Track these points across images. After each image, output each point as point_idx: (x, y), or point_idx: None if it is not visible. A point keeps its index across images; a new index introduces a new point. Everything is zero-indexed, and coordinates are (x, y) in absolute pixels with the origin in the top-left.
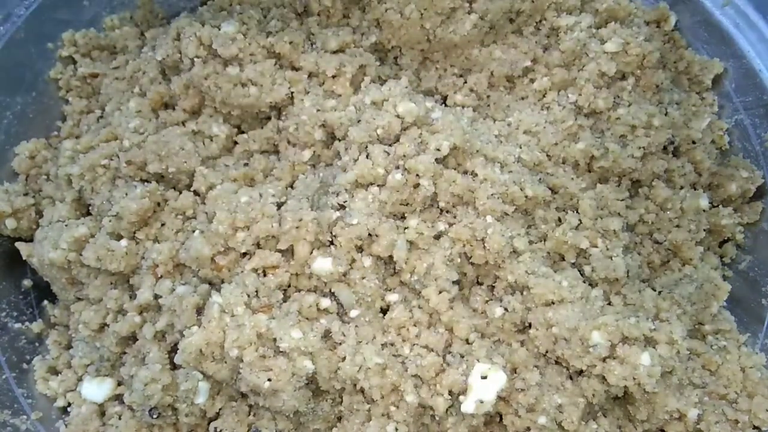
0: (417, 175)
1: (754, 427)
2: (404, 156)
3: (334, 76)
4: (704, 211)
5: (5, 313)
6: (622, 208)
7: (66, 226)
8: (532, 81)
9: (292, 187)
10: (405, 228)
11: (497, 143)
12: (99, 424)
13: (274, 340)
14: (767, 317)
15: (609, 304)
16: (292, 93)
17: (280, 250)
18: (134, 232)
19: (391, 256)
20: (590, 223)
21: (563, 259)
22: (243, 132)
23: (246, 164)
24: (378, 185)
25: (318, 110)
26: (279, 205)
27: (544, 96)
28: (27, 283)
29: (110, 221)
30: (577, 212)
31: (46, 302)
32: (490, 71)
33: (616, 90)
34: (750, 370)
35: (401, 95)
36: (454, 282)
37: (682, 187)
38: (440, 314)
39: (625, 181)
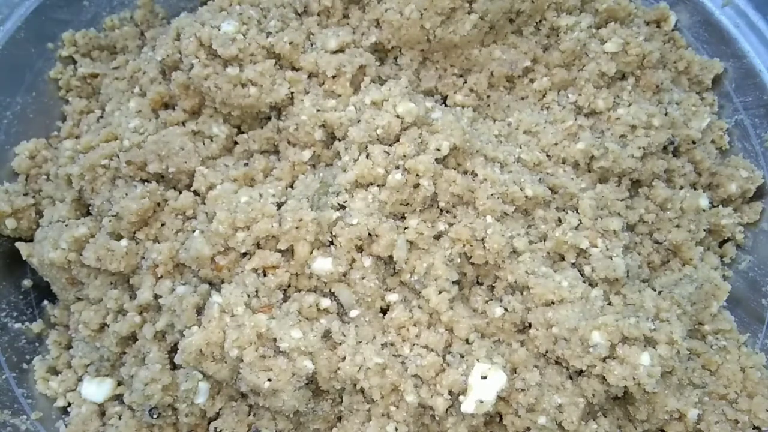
0: (417, 175)
1: (754, 427)
2: (404, 156)
3: (334, 76)
4: (704, 211)
5: (5, 313)
6: (622, 208)
7: (66, 226)
8: (532, 81)
9: (292, 187)
10: (405, 228)
11: (497, 143)
12: (99, 424)
13: (274, 340)
14: (767, 317)
15: (609, 304)
16: (292, 93)
17: (280, 250)
18: (134, 232)
19: (391, 256)
20: (590, 223)
21: (563, 259)
22: (243, 132)
23: (246, 164)
24: (378, 185)
25: (318, 110)
26: (279, 205)
27: (544, 96)
28: (27, 283)
29: (110, 221)
30: (576, 212)
31: (46, 302)
32: (490, 71)
33: (616, 90)
34: (750, 370)
35: (401, 95)
36: (454, 282)
37: (682, 187)
38: (440, 314)
39: (625, 181)
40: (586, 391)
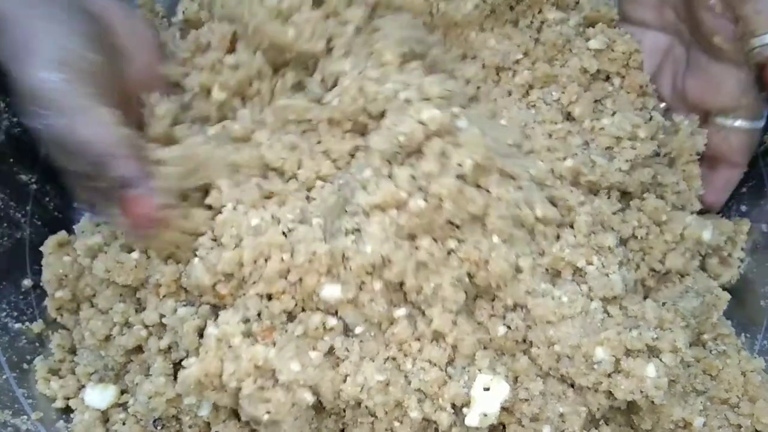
0: (440, 199)
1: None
2: (429, 175)
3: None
4: (705, 242)
5: (5, 313)
6: (617, 222)
7: (82, 233)
8: (515, 74)
9: (310, 191)
10: (416, 247)
11: (510, 153)
12: (102, 431)
13: (273, 371)
14: (765, 319)
15: (609, 316)
16: (331, 46)
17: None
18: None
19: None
20: (584, 240)
21: (560, 275)
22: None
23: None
24: (397, 208)
25: (359, 72)
26: (291, 228)
27: (527, 92)
28: (27, 283)
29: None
30: (571, 227)
31: (46, 302)
32: (482, 62)
33: (598, 91)
34: (750, 374)
35: (429, 92)
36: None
37: (675, 206)
38: (445, 335)
39: (614, 193)
40: (591, 404)
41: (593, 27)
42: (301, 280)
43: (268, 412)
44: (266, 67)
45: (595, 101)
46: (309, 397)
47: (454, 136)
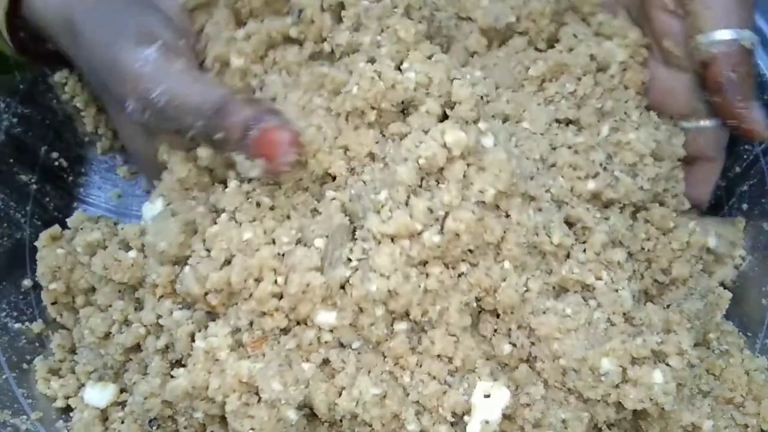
0: (457, 234)
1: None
2: (448, 205)
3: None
4: (709, 250)
5: (5, 313)
6: (628, 238)
7: (81, 229)
8: (523, 64)
9: (318, 202)
10: (426, 274)
11: (534, 172)
12: (101, 430)
13: (257, 387)
14: (767, 318)
15: (612, 325)
16: (342, 17)
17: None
18: (143, 245)
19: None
20: (595, 257)
21: (567, 291)
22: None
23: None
24: (409, 238)
25: (367, 54)
26: (288, 250)
27: (542, 84)
28: (27, 283)
29: (123, 229)
30: (583, 243)
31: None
32: (477, 24)
33: (606, 82)
34: (754, 373)
35: (458, 95)
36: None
37: (675, 211)
38: (450, 357)
39: (628, 208)
40: (599, 414)
41: (595, 15)
42: (294, 306)
43: (252, 429)
44: (277, 35)
45: (604, 91)
46: (293, 416)
47: (479, 157)
